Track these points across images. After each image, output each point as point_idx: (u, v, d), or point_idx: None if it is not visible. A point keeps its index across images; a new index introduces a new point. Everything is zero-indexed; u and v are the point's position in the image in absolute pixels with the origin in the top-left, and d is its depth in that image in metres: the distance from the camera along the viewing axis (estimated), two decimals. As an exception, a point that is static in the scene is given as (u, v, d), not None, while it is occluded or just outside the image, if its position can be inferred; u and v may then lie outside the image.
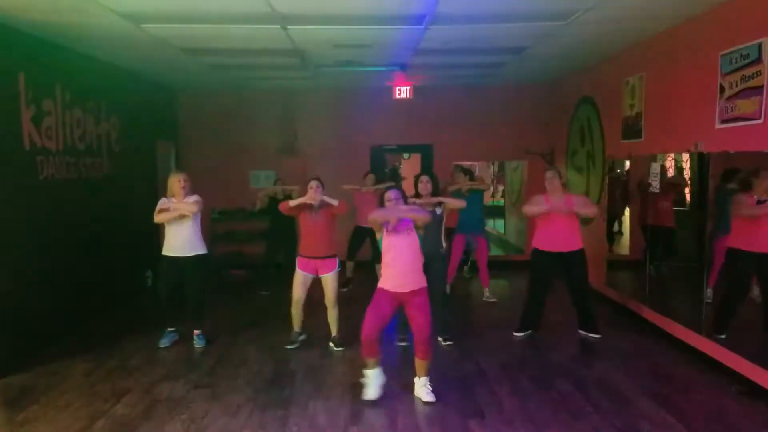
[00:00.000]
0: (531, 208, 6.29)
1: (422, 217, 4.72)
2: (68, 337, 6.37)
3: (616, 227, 8.18)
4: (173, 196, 6.05)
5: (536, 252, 6.36)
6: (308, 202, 5.86)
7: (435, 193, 6.04)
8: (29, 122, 5.86)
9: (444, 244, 6.13)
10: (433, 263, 6.00)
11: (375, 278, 8.61)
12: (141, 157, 8.74)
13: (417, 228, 4.74)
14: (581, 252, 6.26)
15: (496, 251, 11.60)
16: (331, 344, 6.09)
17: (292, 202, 5.90)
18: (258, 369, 5.54)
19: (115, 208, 7.69)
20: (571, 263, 6.24)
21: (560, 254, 6.20)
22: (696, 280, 5.71)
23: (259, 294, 8.46)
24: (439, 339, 6.15)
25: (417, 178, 6.19)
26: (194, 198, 6.06)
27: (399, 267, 4.67)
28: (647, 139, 6.67)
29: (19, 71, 5.73)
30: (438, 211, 5.97)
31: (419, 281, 4.73)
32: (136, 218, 8.18)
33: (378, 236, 4.81)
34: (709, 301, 5.65)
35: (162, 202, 6.03)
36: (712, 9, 5.38)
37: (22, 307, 5.69)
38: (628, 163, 7.65)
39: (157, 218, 6.00)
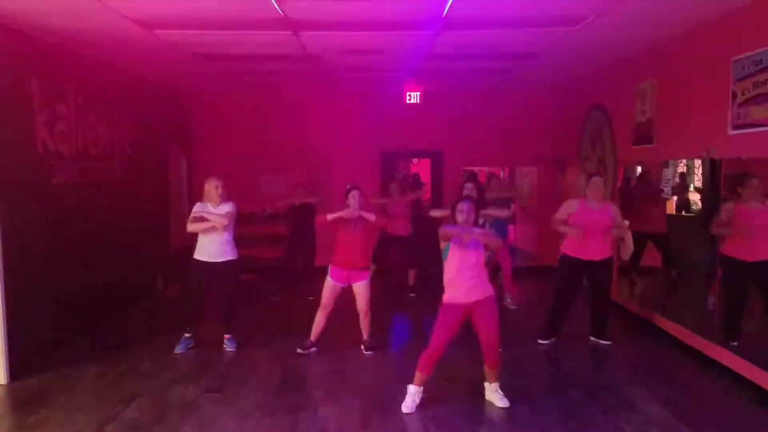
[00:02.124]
0: (557, 226, 6.18)
1: (495, 242, 4.78)
2: (79, 340, 6.40)
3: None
4: (209, 201, 6.08)
5: (565, 258, 6.25)
6: (346, 216, 5.83)
7: (480, 200, 5.99)
8: (42, 127, 5.91)
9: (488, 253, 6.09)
10: None
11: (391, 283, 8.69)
12: (153, 162, 8.79)
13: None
14: (610, 260, 6.18)
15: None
16: (362, 347, 6.09)
17: (330, 217, 5.86)
18: (268, 374, 5.55)
19: (127, 212, 7.73)
20: (598, 271, 6.14)
21: (588, 262, 6.09)
22: (707, 287, 5.68)
23: (272, 299, 8.45)
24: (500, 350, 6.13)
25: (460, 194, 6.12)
26: (228, 207, 6.07)
27: (465, 279, 4.65)
28: (659, 145, 6.64)
29: (33, 76, 5.78)
30: (481, 220, 5.93)
31: (487, 290, 4.75)
32: (147, 222, 8.24)
33: (443, 244, 4.77)
34: (711, 308, 5.61)
35: (197, 208, 6.06)
36: (724, 15, 5.36)
37: (34, 311, 5.72)
38: (639, 168, 7.63)
39: (191, 228, 6.03)
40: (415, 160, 13.02)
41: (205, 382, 5.36)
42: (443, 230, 4.72)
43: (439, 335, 4.68)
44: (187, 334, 6.25)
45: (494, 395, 4.80)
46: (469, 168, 10.63)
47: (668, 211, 7.10)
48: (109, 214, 7.25)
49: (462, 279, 4.66)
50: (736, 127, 5.15)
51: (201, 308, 6.29)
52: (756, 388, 4.88)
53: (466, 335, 6.41)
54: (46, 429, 4.43)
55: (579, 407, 4.73)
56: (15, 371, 5.40)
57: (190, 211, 6.13)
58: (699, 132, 5.79)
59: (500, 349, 5.96)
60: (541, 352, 6.14)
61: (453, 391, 5.07)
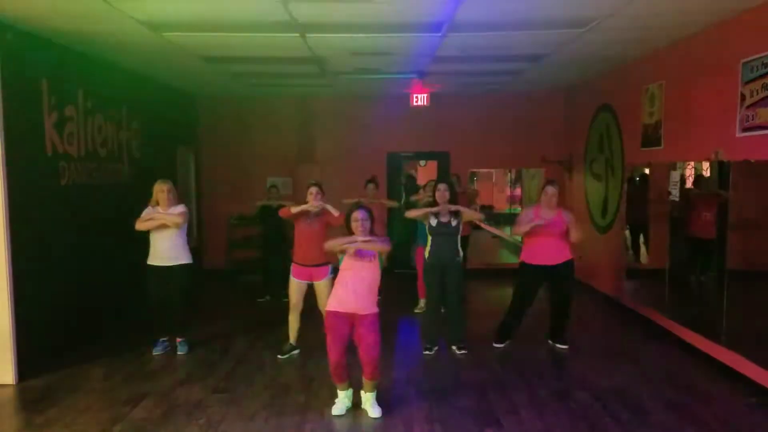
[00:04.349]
0: (520, 228, 6.12)
1: (381, 248, 4.67)
2: (87, 341, 6.44)
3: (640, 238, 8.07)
4: (157, 204, 6.04)
5: (524, 265, 6.27)
6: (309, 209, 5.82)
7: (452, 201, 6.04)
8: (52, 128, 5.95)
9: (461, 253, 6.14)
10: (450, 273, 6.04)
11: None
12: (161, 164, 8.81)
13: (380, 254, 4.69)
14: (568, 264, 6.16)
15: (512, 259, 11.54)
16: None
17: (294, 209, 5.87)
18: (275, 374, 5.56)
19: (136, 213, 7.72)
20: (557, 275, 6.15)
21: (547, 267, 6.12)
22: (716, 290, 5.65)
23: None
24: (453, 348, 6.17)
25: (434, 186, 6.19)
26: (179, 209, 6.04)
27: (356, 289, 4.58)
28: (667, 147, 6.62)
29: (42, 78, 5.82)
30: (454, 222, 5.99)
31: (372, 306, 4.66)
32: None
33: (339, 255, 4.71)
34: None
35: (146, 212, 6.01)
36: (733, 17, 5.34)
37: (43, 311, 5.76)
38: (647, 171, 7.59)
39: (139, 226, 5.95)
40: (422, 162, 13.00)
41: (212, 382, 5.37)
42: (328, 244, 4.69)
43: (334, 347, 4.62)
44: (163, 338, 6.24)
45: (368, 404, 4.70)
46: (474, 169, 10.64)
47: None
48: (118, 215, 7.27)
49: (351, 289, 4.59)
50: (744, 129, 5.13)
51: (166, 313, 6.22)
52: (764, 390, 4.86)
53: (477, 340, 6.44)
54: (54, 429, 4.45)
55: (587, 410, 4.71)
56: (23, 371, 5.43)
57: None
58: (707, 134, 5.76)
59: (453, 348, 5.99)
60: (547, 354, 6.13)
61: (459, 393, 5.07)
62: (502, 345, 6.32)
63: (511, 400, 4.91)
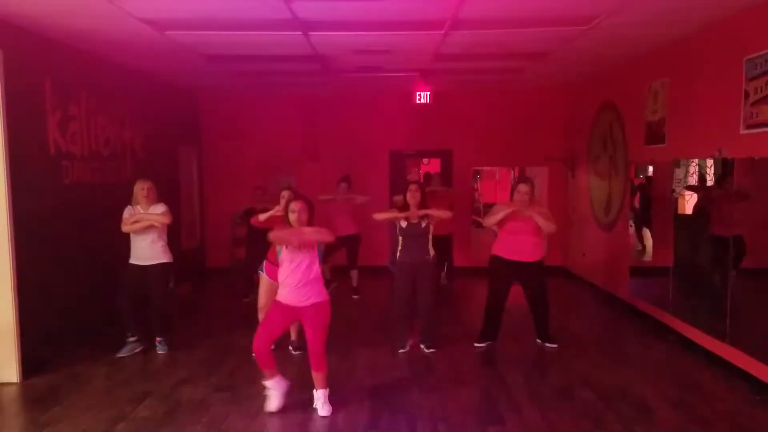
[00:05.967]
0: (494, 217, 6.11)
1: (324, 239, 4.63)
2: (90, 339, 6.44)
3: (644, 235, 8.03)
4: (138, 204, 6.02)
5: (494, 258, 6.25)
6: (277, 214, 5.76)
7: (423, 202, 6.01)
8: (55, 127, 5.96)
9: (432, 252, 6.12)
10: (421, 272, 6.06)
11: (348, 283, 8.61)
12: (164, 162, 8.83)
13: (318, 245, 4.67)
14: (539, 263, 6.15)
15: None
16: (290, 347, 6.04)
17: (262, 217, 5.83)
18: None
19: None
20: (529, 274, 6.13)
21: (518, 263, 6.09)
22: (722, 287, 5.63)
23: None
24: (421, 346, 6.18)
25: (407, 187, 6.14)
26: (162, 208, 6.03)
27: (297, 281, 4.57)
28: (670, 145, 6.60)
29: (45, 77, 5.83)
30: (423, 223, 5.99)
31: (318, 294, 4.65)
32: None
33: (278, 248, 4.69)
34: None
35: (128, 211, 5.98)
36: (736, 13, 5.31)
37: (46, 310, 5.77)
38: (651, 168, 7.57)
39: (126, 228, 5.93)
40: (425, 160, 13.01)
41: (215, 381, 5.38)
42: (272, 236, 4.64)
43: (261, 333, 4.65)
44: (131, 338, 6.14)
45: (318, 403, 4.69)
46: (477, 167, 10.60)
47: (680, 211, 7.01)
48: (121, 214, 7.26)
49: (292, 282, 4.58)
50: (748, 126, 5.11)
51: (139, 312, 6.18)
52: (769, 389, 4.86)
53: (471, 337, 6.44)
54: (59, 427, 4.46)
55: (590, 408, 4.71)
56: (27, 370, 5.43)
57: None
58: (711, 131, 5.74)
59: (422, 346, 5.92)
60: (550, 352, 6.11)
61: (462, 392, 5.06)
62: (483, 345, 6.26)
63: (514, 399, 4.90)
